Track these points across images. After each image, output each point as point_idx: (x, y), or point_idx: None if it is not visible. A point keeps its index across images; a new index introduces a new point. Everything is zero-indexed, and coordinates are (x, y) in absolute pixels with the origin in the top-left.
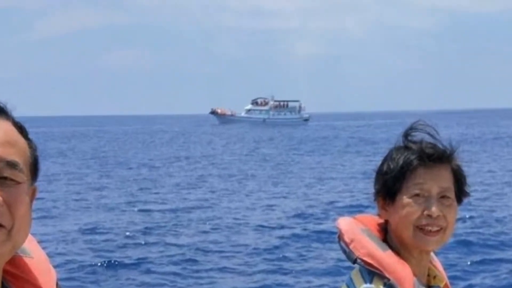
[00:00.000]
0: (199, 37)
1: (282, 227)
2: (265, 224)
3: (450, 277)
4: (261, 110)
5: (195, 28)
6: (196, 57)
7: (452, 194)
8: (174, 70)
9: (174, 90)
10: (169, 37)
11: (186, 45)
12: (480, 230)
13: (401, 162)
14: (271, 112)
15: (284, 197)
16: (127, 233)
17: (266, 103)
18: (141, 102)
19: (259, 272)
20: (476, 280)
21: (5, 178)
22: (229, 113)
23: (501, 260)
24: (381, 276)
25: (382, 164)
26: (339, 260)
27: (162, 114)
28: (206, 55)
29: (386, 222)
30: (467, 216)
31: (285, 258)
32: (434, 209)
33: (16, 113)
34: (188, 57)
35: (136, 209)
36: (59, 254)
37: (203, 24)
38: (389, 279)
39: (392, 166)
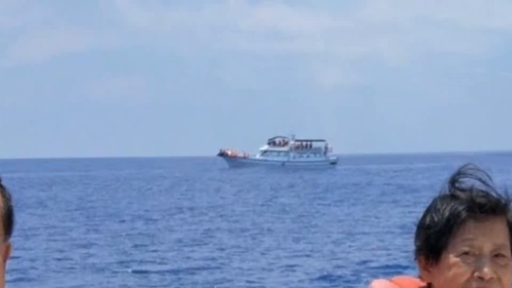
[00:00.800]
0: (206, 63)
1: None
2: None
3: None
4: (279, 152)
5: (201, 53)
6: (202, 87)
7: (508, 252)
8: (176, 102)
9: (176, 127)
10: (170, 63)
11: (190, 72)
12: None
13: (447, 213)
14: (291, 154)
15: (307, 256)
16: None
17: (285, 143)
18: (136, 142)
19: None
20: None
21: None
22: (241, 155)
23: None
24: None
25: (424, 216)
26: None
27: (161, 156)
28: (214, 85)
29: (429, 285)
30: None
31: None
32: (487, 270)
33: None
34: (192, 87)
35: (130, 269)
36: None
37: (210, 48)
38: None
39: (436, 219)
